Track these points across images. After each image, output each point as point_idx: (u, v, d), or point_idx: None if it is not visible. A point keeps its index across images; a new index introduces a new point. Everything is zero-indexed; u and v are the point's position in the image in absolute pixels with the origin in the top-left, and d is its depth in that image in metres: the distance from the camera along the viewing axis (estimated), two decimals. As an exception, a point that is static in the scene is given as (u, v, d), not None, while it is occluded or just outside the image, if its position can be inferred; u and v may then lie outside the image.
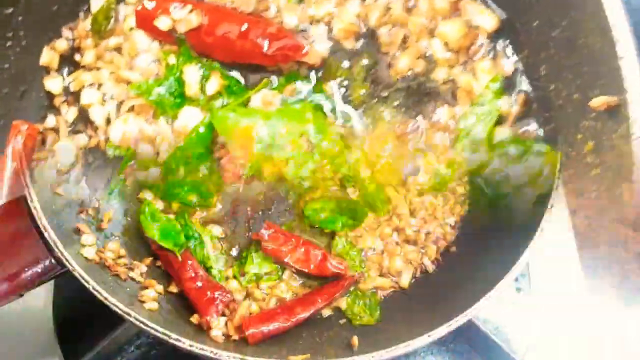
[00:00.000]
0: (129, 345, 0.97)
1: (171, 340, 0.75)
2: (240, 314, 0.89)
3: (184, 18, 0.88)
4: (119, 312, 0.76)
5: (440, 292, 0.91)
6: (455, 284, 0.90)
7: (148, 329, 0.75)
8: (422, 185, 1.02)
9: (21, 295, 0.83)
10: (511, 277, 0.79)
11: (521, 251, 0.81)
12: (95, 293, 0.76)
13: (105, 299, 0.76)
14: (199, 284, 0.90)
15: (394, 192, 1.02)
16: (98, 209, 0.96)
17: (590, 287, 1.20)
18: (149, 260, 0.94)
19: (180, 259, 0.91)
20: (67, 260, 0.78)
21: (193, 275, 0.91)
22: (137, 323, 0.75)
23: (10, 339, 1.02)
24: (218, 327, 0.87)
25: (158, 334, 0.75)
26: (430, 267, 0.96)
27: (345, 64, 0.95)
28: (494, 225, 0.93)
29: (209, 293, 0.89)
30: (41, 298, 1.00)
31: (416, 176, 1.03)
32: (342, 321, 0.93)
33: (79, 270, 0.77)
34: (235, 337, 0.87)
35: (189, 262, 0.92)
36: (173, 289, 0.92)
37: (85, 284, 0.77)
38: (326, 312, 0.94)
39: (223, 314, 0.90)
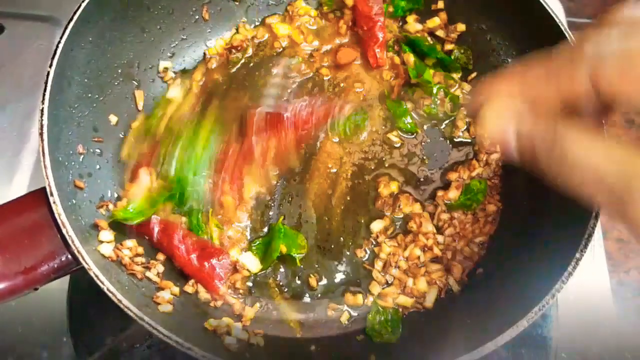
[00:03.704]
0: (140, 344, 0.95)
1: (183, 349, 0.73)
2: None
3: None
4: (133, 316, 0.73)
5: (465, 316, 0.87)
6: (480, 309, 0.86)
7: (162, 336, 0.72)
8: (452, 201, 0.98)
9: (36, 289, 0.81)
10: (541, 309, 0.74)
11: (553, 282, 0.76)
12: (110, 295, 0.74)
13: (120, 301, 0.74)
14: (194, 257, 0.88)
15: (420, 209, 0.98)
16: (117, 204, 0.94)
17: (619, 314, 1.15)
18: (163, 256, 0.91)
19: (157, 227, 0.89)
20: (83, 258, 0.76)
21: (184, 250, 0.88)
22: (151, 329, 0.73)
23: (20, 325, 1.01)
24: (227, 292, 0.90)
25: (171, 342, 0.72)
26: (456, 288, 0.92)
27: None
28: (525, 249, 0.89)
29: (206, 264, 0.88)
30: (56, 288, 0.99)
31: (446, 191, 0.99)
32: (360, 337, 0.89)
33: (94, 270, 0.75)
34: (253, 341, 0.85)
35: (176, 236, 0.89)
36: (188, 288, 0.90)
37: (100, 284, 0.74)
38: (344, 321, 0.91)
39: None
